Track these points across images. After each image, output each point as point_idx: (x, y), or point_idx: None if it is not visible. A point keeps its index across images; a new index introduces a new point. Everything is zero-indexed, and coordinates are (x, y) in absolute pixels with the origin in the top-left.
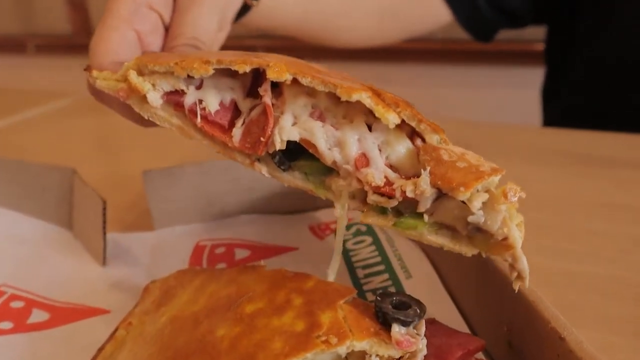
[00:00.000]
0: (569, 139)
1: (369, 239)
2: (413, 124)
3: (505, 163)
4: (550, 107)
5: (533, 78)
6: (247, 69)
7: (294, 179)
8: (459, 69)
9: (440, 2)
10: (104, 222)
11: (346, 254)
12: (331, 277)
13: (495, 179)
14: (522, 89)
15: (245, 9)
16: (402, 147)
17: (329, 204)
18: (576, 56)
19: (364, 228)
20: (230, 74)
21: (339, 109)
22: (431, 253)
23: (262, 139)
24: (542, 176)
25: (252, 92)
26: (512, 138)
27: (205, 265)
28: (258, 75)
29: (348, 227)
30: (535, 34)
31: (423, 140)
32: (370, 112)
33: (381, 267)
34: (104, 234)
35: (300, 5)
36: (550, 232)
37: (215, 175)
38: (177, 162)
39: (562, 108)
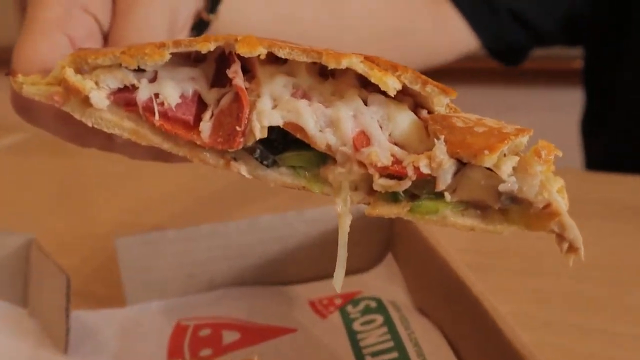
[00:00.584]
0: (619, 186)
1: (379, 319)
2: (417, 87)
3: None
4: (591, 144)
5: (571, 100)
6: (212, 46)
7: (280, 176)
8: (482, 90)
9: (461, 26)
10: (68, 301)
11: (353, 336)
12: (337, 287)
13: (523, 139)
14: (558, 112)
15: (202, 26)
16: (405, 120)
17: (329, 274)
18: (618, 99)
19: (373, 304)
20: (189, 62)
21: (325, 86)
22: (452, 336)
23: (237, 128)
24: (583, 234)
25: (217, 82)
26: None
27: (187, 353)
28: (223, 61)
29: (355, 303)
30: (572, 51)
31: (429, 111)
32: (362, 86)
33: (394, 355)
34: (67, 315)
35: (271, 27)
36: (596, 310)
37: (200, 241)
38: (154, 213)
39: (605, 147)
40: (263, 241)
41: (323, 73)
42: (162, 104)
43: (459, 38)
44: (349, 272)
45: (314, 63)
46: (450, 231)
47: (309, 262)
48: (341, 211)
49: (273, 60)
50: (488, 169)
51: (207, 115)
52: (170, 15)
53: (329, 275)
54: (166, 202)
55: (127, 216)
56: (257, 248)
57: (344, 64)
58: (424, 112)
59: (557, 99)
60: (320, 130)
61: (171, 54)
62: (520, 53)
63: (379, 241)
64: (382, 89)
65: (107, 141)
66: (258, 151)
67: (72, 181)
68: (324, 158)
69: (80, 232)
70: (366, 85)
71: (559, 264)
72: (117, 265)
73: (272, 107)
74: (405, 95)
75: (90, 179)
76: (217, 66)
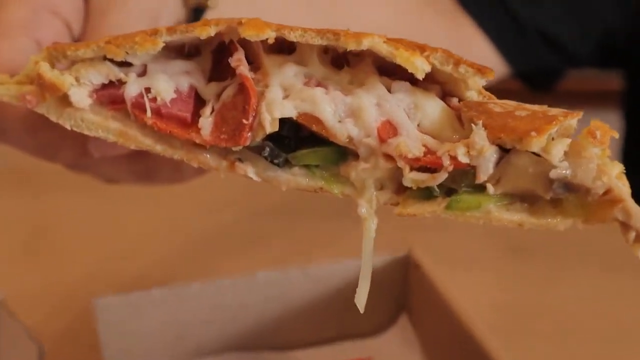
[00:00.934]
0: None
1: None
2: (449, 68)
3: (580, 273)
4: (635, 173)
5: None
6: (212, 31)
7: (294, 178)
8: None
9: (484, 47)
10: None
11: None
12: (361, 306)
13: (573, 121)
14: None
15: None
16: (435, 109)
17: (335, 337)
18: None
19: None
20: (183, 54)
21: (342, 76)
22: None
23: (244, 121)
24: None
25: (216, 76)
26: (588, 238)
27: None
28: (221, 53)
29: None
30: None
31: (460, 99)
32: (383, 73)
33: None
34: None
35: None
36: None
37: (188, 301)
38: (135, 261)
39: None
40: (260, 301)
41: (337, 62)
42: (154, 99)
43: (482, 60)
44: (357, 335)
45: (326, 51)
46: (473, 281)
47: (312, 324)
48: (366, 214)
49: (280, 49)
50: (535, 154)
51: (206, 110)
52: (149, 21)
53: (334, 339)
54: (148, 247)
55: (105, 264)
56: (253, 309)
57: (365, 44)
58: (455, 101)
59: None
60: (340, 121)
61: (164, 44)
62: (552, 77)
63: (392, 300)
64: (409, 70)
65: (80, 154)
66: (267, 149)
67: (42, 225)
68: (344, 154)
69: (53, 286)
70: (388, 74)
71: (596, 327)
72: (94, 326)
73: (283, 97)
74: (432, 84)
75: (62, 221)
76: (215, 59)
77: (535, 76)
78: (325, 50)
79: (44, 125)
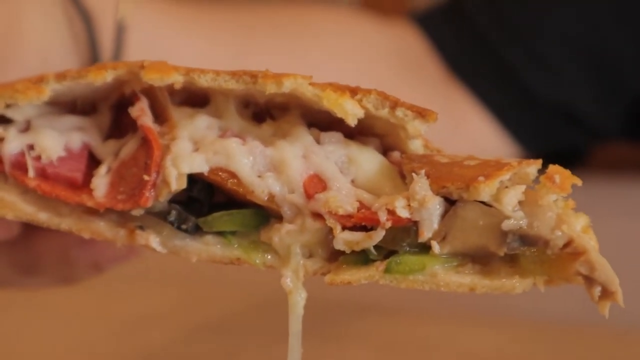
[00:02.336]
0: None
1: None
2: (384, 112)
3: None
4: None
5: None
6: (109, 76)
7: (207, 248)
8: None
9: (483, 125)
10: None
11: None
12: None
13: (530, 169)
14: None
15: None
16: (371, 162)
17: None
18: None
19: None
20: (76, 108)
21: (263, 129)
22: None
23: (145, 177)
24: None
25: (114, 134)
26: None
27: None
28: (121, 109)
29: None
30: None
31: (402, 153)
32: (316, 127)
33: None
34: None
35: None
36: None
37: None
38: None
39: None
40: None
41: (260, 118)
42: (38, 158)
43: (482, 140)
44: None
45: (247, 105)
46: None
47: None
48: (291, 285)
49: (192, 102)
50: (486, 204)
51: (101, 169)
52: (37, 71)
53: None
54: None
55: None
56: None
57: (287, 85)
58: (397, 155)
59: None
60: (259, 176)
61: (52, 92)
62: (573, 154)
63: None
64: (338, 115)
65: None
66: (174, 212)
67: None
68: (265, 216)
69: None
70: (320, 128)
71: None
72: None
73: (193, 150)
74: (369, 137)
75: None
76: (114, 116)
77: (556, 153)
78: (245, 104)
79: None
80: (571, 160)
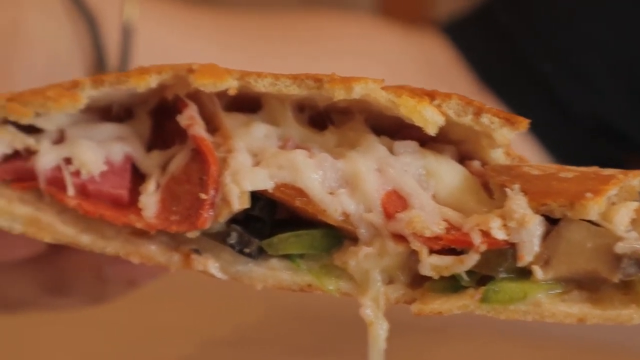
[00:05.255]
0: None
1: None
2: (467, 119)
3: None
4: None
5: None
6: (153, 82)
7: (273, 273)
8: None
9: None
10: None
11: None
12: None
13: (635, 182)
14: None
15: None
16: (453, 175)
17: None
18: None
19: None
20: (109, 117)
21: (326, 137)
22: None
23: (202, 196)
24: None
25: (157, 143)
26: None
27: None
28: (163, 114)
29: None
30: None
31: (483, 163)
32: (380, 133)
33: None
34: None
35: None
36: None
37: None
38: None
39: None
40: None
41: (317, 123)
42: (77, 173)
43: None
44: None
45: (302, 109)
46: None
47: None
48: (372, 316)
49: (240, 107)
50: (593, 223)
51: (149, 186)
52: (44, 74)
53: None
54: None
55: None
56: None
57: (358, 91)
58: (476, 164)
59: None
60: (331, 193)
61: (88, 99)
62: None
63: None
64: (417, 124)
65: None
66: (235, 235)
67: None
68: (338, 237)
69: None
70: (382, 132)
71: None
72: None
73: (253, 164)
74: (444, 144)
75: None
76: (155, 121)
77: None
78: (300, 108)
79: None
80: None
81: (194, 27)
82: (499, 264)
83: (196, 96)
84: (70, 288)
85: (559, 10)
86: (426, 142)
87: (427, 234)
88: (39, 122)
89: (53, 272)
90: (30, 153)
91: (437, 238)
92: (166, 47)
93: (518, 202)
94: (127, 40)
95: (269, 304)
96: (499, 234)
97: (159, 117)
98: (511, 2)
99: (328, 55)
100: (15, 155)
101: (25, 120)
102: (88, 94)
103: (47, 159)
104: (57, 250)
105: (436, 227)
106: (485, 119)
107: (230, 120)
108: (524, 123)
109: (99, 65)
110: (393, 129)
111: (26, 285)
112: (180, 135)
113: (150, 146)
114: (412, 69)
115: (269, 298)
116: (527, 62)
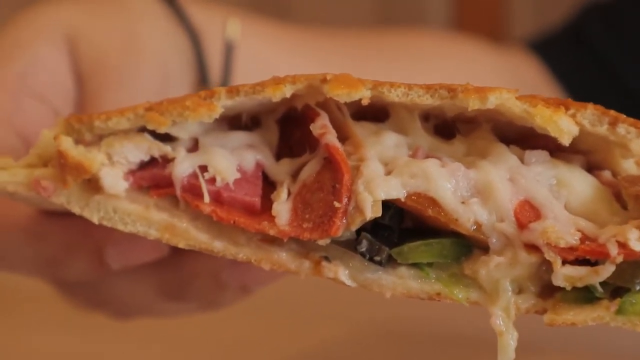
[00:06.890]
0: None
1: None
2: (603, 129)
3: None
4: None
5: None
6: (288, 92)
7: (402, 281)
8: None
9: None
10: None
11: None
12: None
13: None
14: None
15: None
16: (585, 184)
17: None
18: None
19: None
20: (238, 126)
21: (456, 146)
22: None
23: (336, 204)
24: None
25: (285, 152)
26: None
27: None
28: (290, 123)
29: None
30: None
31: (613, 173)
32: (506, 138)
33: None
34: None
35: None
36: None
37: None
38: None
39: None
40: None
41: (441, 130)
42: (212, 180)
43: None
44: None
45: (427, 118)
46: None
47: None
48: (502, 326)
49: (364, 116)
50: None
51: (281, 193)
52: (154, 97)
53: None
54: None
55: None
56: None
57: (493, 101)
58: (606, 174)
59: None
60: (463, 202)
61: (223, 109)
62: None
63: None
64: (552, 134)
65: (93, 268)
66: (365, 242)
67: None
68: (468, 246)
69: None
70: (511, 142)
71: None
72: None
73: (385, 173)
74: (573, 153)
75: None
76: (282, 130)
77: None
78: (425, 117)
79: (50, 231)
80: None
81: (295, 44)
82: (635, 275)
83: (325, 105)
84: (187, 293)
85: None
86: (553, 151)
87: (562, 244)
88: (174, 131)
89: (172, 277)
90: (165, 161)
91: (571, 249)
92: (267, 64)
93: None
94: (229, 57)
95: (354, 320)
96: (637, 246)
97: (285, 126)
98: (602, 20)
99: (426, 74)
100: (151, 162)
101: (162, 129)
102: (223, 103)
103: (183, 166)
104: (179, 255)
105: (571, 238)
106: (622, 129)
107: (360, 129)
108: None
109: (202, 82)
110: (518, 137)
111: (146, 290)
112: (310, 144)
113: (278, 154)
114: (502, 85)
115: (353, 315)
116: (619, 79)
